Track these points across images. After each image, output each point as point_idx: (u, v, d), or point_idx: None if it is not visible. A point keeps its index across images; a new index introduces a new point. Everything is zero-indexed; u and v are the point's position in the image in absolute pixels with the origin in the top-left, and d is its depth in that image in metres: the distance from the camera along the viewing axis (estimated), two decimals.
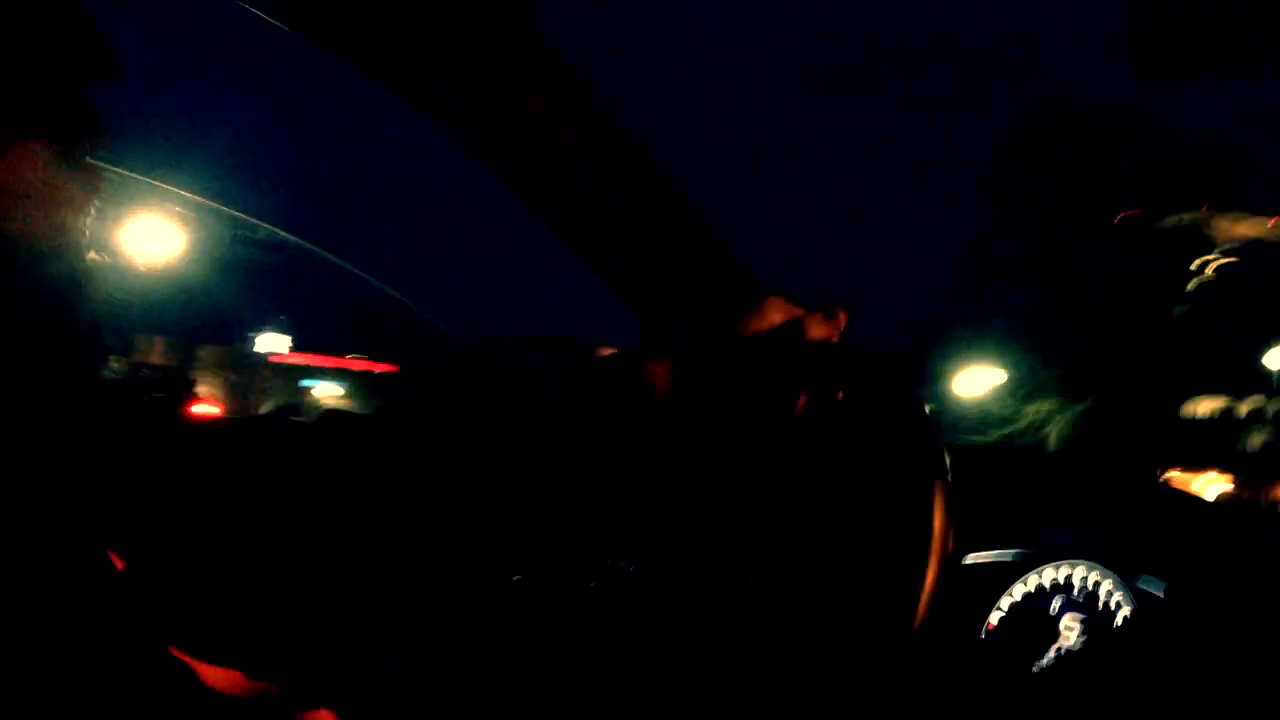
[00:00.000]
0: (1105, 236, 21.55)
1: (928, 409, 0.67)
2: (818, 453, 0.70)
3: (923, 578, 0.64)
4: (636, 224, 0.79)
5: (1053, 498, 1.48)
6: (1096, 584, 1.40)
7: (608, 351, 0.71)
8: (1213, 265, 19.72)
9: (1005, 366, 21.99)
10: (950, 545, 0.66)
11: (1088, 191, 21.45)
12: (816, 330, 0.67)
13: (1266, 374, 20.99)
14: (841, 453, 0.70)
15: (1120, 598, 1.40)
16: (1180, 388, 22.48)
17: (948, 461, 0.67)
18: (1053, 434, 22.24)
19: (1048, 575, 1.41)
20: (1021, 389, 22.34)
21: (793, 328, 0.67)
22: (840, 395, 0.69)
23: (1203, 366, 22.43)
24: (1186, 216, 20.37)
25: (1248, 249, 19.47)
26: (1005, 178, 22.00)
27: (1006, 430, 21.47)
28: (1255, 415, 21.61)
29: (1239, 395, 21.25)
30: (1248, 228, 19.69)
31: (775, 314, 0.68)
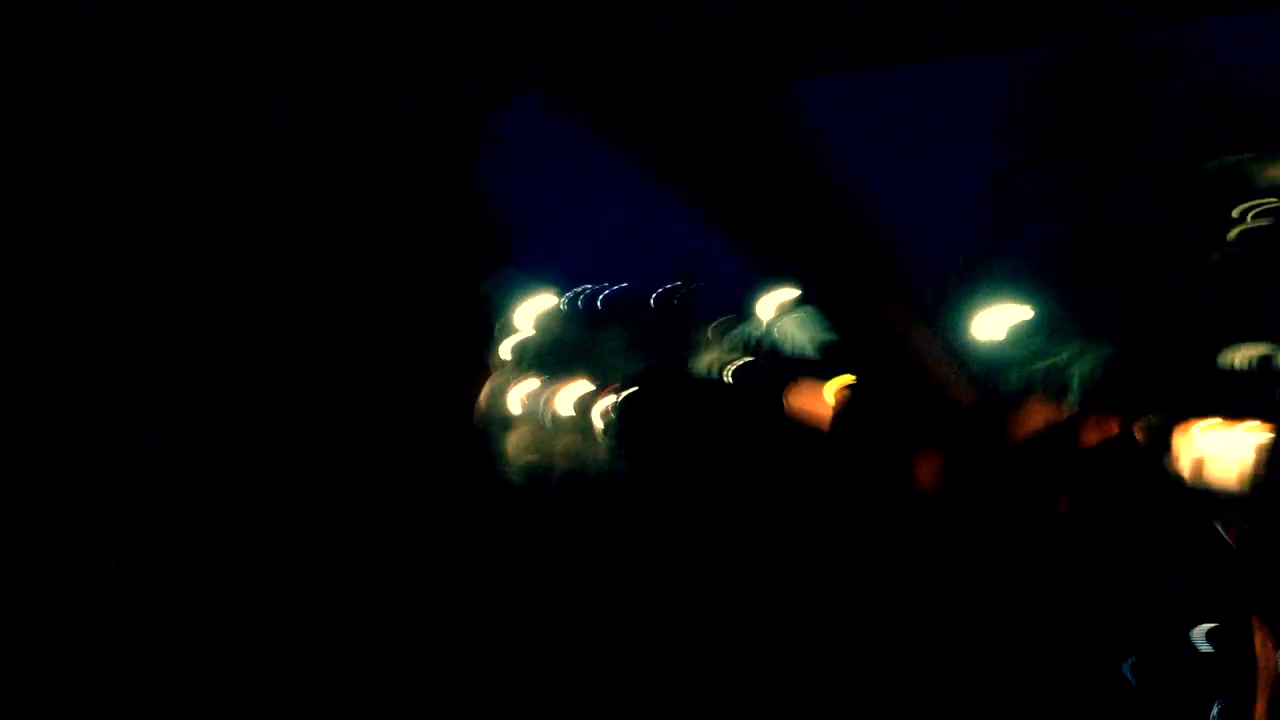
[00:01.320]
0: (1139, 175, 21.36)
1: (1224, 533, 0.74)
2: (1093, 554, 0.79)
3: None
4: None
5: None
6: None
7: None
8: (1256, 210, 19.43)
9: (1027, 307, 21.98)
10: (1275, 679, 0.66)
11: (1120, 127, 21.15)
12: (1091, 435, 0.76)
13: None
14: (1121, 560, 0.80)
15: None
16: (1216, 336, 22.42)
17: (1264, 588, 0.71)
18: (1075, 377, 22.27)
19: None
20: (1043, 331, 22.34)
21: (1067, 432, 0.75)
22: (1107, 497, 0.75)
23: (1240, 315, 22.34)
24: (1229, 159, 20.11)
25: None
26: (1033, 110, 21.77)
27: (1026, 372, 21.51)
28: None
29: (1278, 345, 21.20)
30: None
31: (1040, 416, 0.78)
